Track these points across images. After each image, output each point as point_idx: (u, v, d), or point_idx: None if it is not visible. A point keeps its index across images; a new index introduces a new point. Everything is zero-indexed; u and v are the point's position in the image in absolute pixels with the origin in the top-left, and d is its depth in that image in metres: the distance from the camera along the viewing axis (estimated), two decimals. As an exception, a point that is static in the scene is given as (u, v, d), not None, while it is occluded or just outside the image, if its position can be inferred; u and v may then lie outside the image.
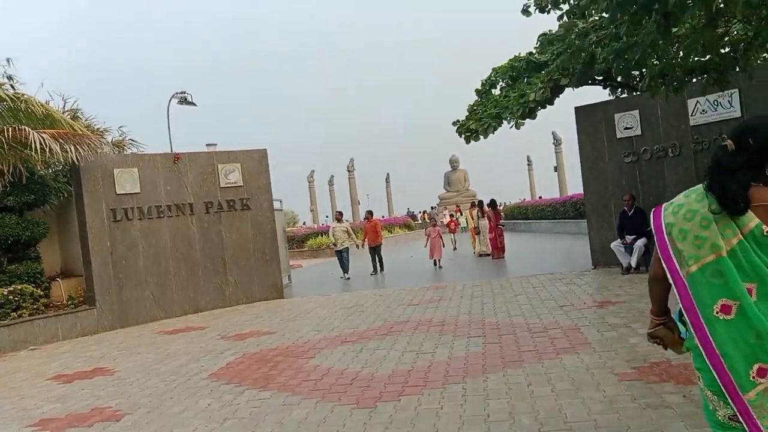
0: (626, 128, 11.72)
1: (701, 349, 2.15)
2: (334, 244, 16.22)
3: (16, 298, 9.87)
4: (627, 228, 10.92)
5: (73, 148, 9.78)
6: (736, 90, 9.98)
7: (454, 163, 49.91)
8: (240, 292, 12.52)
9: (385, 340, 7.44)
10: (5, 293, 9.78)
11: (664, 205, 2.36)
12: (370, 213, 18.08)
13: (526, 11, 8.37)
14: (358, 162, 49.99)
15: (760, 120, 2.27)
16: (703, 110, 10.71)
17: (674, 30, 7.54)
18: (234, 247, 12.55)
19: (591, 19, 10.98)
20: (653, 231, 2.30)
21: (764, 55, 10.30)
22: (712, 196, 2.16)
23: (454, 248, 22.77)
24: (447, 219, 30.30)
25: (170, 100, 23.47)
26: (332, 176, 50.99)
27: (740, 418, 2.08)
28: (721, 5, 6.27)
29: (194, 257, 12.14)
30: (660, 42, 6.45)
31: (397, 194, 54.83)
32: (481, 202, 19.55)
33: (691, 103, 10.72)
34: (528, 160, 51.91)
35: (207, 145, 24.70)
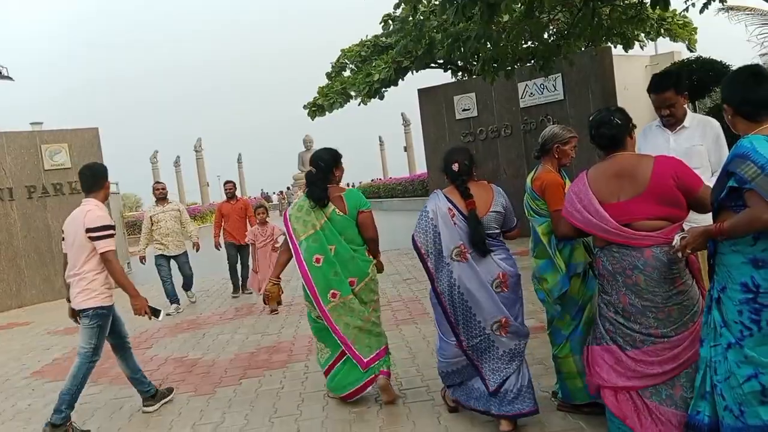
0: (464, 110, 12.34)
1: (304, 282, 4.01)
2: (162, 244, 8.46)
3: None
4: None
5: None
6: (559, 75, 10.83)
7: (308, 143, 49.47)
8: (72, 282, 11.54)
9: (229, 325, 7.27)
10: None
11: (292, 203, 4.27)
12: (232, 185, 9.75)
13: None
14: (206, 143, 47.82)
15: (320, 152, 4.13)
16: (531, 93, 11.54)
17: (502, 20, 7.97)
18: (64, 235, 11.51)
19: (431, 3, 11.36)
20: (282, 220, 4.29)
21: (583, 43, 11.32)
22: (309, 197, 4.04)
23: None
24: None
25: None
26: (178, 156, 48.27)
27: (323, 318, 4.00)
28: None
29: (16, 247, 10.99)
30: (489, 31, 6.79)
31: (251, 176, 53.30)
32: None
33: (521, 86, 11.50)
34: (380, 140, 52.92)
35: (31, 123, 22.34)
